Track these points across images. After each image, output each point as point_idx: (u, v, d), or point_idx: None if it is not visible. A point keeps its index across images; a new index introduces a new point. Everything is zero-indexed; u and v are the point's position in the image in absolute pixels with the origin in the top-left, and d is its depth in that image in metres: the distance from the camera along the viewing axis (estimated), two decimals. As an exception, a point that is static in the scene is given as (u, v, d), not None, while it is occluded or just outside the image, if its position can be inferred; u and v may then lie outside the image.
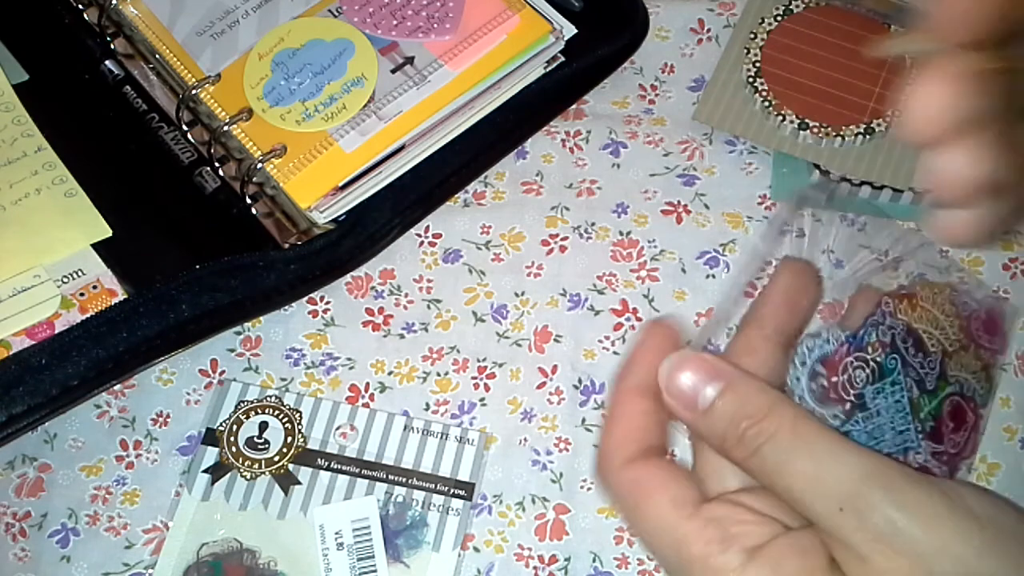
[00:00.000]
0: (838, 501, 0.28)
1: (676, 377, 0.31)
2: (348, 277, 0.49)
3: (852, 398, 0.31)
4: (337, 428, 0.46)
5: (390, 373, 0.47)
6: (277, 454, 0.45)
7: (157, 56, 0.51)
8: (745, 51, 0.53)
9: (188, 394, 0.47)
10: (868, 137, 0.50)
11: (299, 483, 0.44)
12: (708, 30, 0.55)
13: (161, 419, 0.46)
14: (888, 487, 0.28)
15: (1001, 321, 0.36)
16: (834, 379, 0.32)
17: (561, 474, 0.45)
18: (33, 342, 0.44)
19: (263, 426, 0.45)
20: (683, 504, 0.31)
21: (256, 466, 0.45)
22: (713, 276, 0.49)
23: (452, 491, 0.44)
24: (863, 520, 0.28)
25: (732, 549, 0.30)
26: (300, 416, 0.46)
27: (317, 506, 0.44)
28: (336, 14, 0.51)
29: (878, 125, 0.50)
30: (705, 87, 0.53)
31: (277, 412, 0.46)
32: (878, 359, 0.32)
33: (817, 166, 0.51)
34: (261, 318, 0.48)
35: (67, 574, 0.43)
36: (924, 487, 0.28)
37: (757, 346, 0.33)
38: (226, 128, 0.48)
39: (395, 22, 0.51)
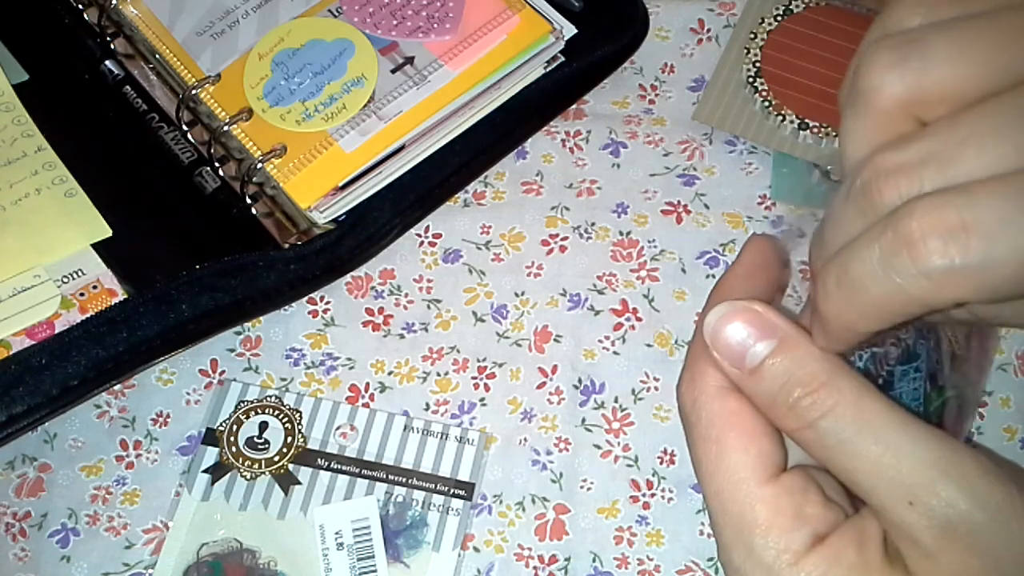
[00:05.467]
0: (906, 493, 0.26)
1: (723, 329, 0.29)
2: (348, 277, 0.49)
3: (884, 374, 0.31)
4: (337, 428, 0.46)
5: (390, 373, 0.47)
6: (277, 454, 0.45)
7: (157, 56, 0.51)
8: (745, 51, 0.53)
9: (188, 394, 0.47)
10: (868, 137, 0.50)
11: (299, 483, 0.44)
12: (708, 30, 0.55)
13: (161, 419, 0.46)
14: (964, 481, 0.26)
15: (991, 342, 0.36)
16: (876, 350, 0.30)
17: (561, 474, 0.45)
18: (33, 342, 0.44)
19: (263, 426, 0.45)
20: (768, 464, 0.29)
21: (256, 466, 0.45)
22: (713, 276, 0.49)
23: (452, 491, 0.44)
24: (934, 517, 0.26)
25: (803, 530, 0.28)
26: (300, 416, 0.46)
27: (317, 506, 0.44)
28: (336, 14, 0.51)
29: (878, 125, 0.50)
30: (705, 87, 0.53)
31: (277, 412, 0.46)
32: (909, 341, 0.31)
33: (817, 166, 0.51)
34: (261, 318, 0.48)
35: (67, 574, 0.43)
36: (1004, 483, 0.26)
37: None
38: (226, 128, 0.48)
39: (395, 22, 0.51)
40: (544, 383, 0.47)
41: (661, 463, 0.45)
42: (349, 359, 0.48)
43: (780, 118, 0.51)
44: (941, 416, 0.32)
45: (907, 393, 0.31)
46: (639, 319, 0.48)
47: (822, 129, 0.50)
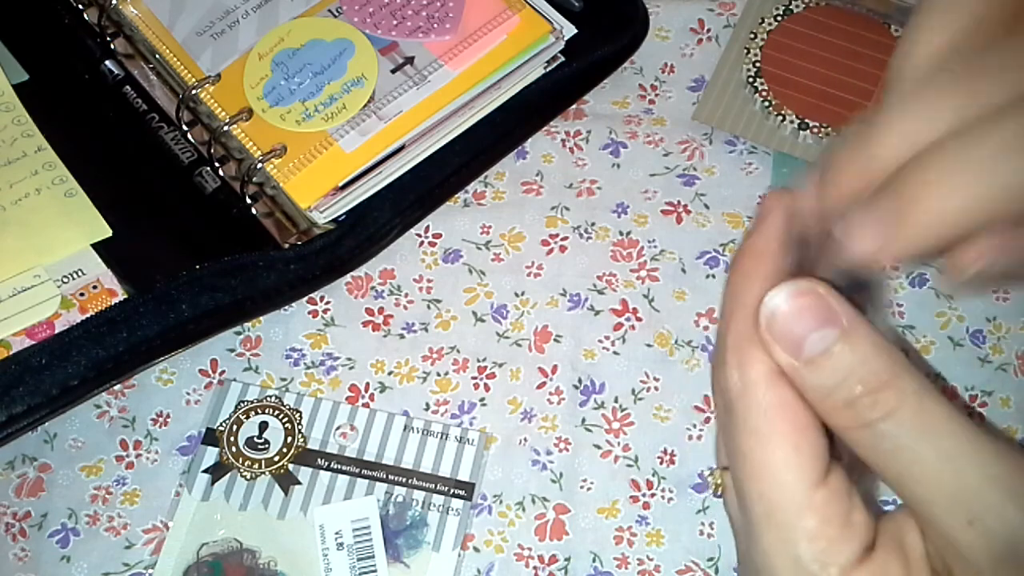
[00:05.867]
0: (967, 511, 0.24)
1: (782, 312, 0.26)
2: (348, 277, 0.49)
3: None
4: (337, 428, 0.46)
5: (390, 373, 0.47)
6: (277, 454, 0.45)
7: (157, 56, 0.51)
8: (745, 51, 0.53)
9: (188, 394, 0.47)
10: (868, 137, 0.50)
11: (299, 483, 0.44)
12: (708, 30, 0.55)
13: (161, 419, 0.46)
14: None
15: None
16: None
17: (561, 474, 0.45)
18: (33, 342, 0.44)
19: (263, 426, 0.45)
20: (818, 465, 0.26)
21: (256, 466, 0.45)
22: (713, 276, 0.49)
23: (452, 491, 0.44)
24: (994, 539, 0.24)
25: (852, 542, 0.26)
26: (300, 416, 0.46)
27: (317, 506, 0.44)
28: (336, 14, 0.51)
29: (878, 125, 0.50)
30: (705, 87, 0.53)
31: (277, 412, 0.46)
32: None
33: (817, 166, 0.51)
34: (261, 318, 0.48)
35: (67, 574, 0.43)
36: None
37: None
38: (226, 128, 0.48)
39: (395, 22, 0.51)
40: (544, 383, 0.47)
41: (661, 463, 0.45)
42: (349, 359, 0.48)
43: (780, 118, 0.51)
44: None
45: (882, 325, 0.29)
46: (639, 319, 0.48)
47: (822, 129, 0.50)
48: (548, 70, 0.52)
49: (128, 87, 0.52)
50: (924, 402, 0.25)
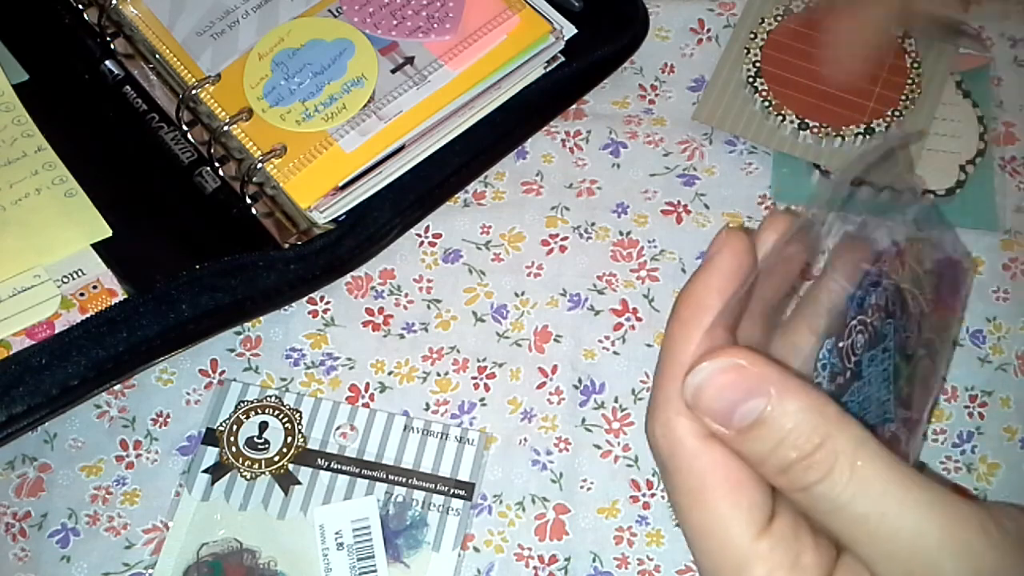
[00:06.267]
0: (905, 568, 0.25)
1: (707, 390, 0.26)
2: (348, 277, 0.49)
3: (852, 366, 0.29)
4: (337, 428, 0.46)
5: (390, 373, 0.47)
6: (277, 454, 0.45)
7: (157, 56, 0.51)
8: (745, 51, 0.53)
9: (188, 394, 0.47)
10: (868, 137, 0.50)
11: (299, 483, 0.44)
12: (708, 30, 0.55)
13: (161, 419, 0.46)
14: (966, 555, 0.24)
15: (962, 280, 0.35)
16: (841, 344, 0.29)
17: (561, 474, 0.45)
18: (33, 342, 0.44)
19: (263, 426, 0.45)
20: (759, 516, 0.26)
21: (256, 466, 0.45)
22: (713, 276, 0.49)
23: (452, 491, 0.44)
24: None
25: None
26: (300, 416, 0.46)
27: (317, 506, 0.44)
28: (336, 14, 0.51)
29: (878, 125, 0.50)
30: (705, 87, 0.53)
31: (277, 412, 0.46)
32: (875, 323, 0.29)
33: (817, 166, 0.51)
34: (261, 318, 0.48)
35: (67, 574, 0.43)
36: (1011, 554, 0.25)
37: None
38: (226, 128, 0.48)
39: (395, 22, 0.51)
40: (544, 383, 0.47)
41: (661, 463, 0.45)
42: (349, 359, 0.48)
43: (780, 118, 0.51)
44: (912, 381, 0.31)
45: (876, 377, 0.29)
46: (639, 319, 0.48)
47: (822, 129, 0.50)
48: (548, 70, 0.52)
49: (128, 87, 0.52)
50: (859, 459, 0.25)
